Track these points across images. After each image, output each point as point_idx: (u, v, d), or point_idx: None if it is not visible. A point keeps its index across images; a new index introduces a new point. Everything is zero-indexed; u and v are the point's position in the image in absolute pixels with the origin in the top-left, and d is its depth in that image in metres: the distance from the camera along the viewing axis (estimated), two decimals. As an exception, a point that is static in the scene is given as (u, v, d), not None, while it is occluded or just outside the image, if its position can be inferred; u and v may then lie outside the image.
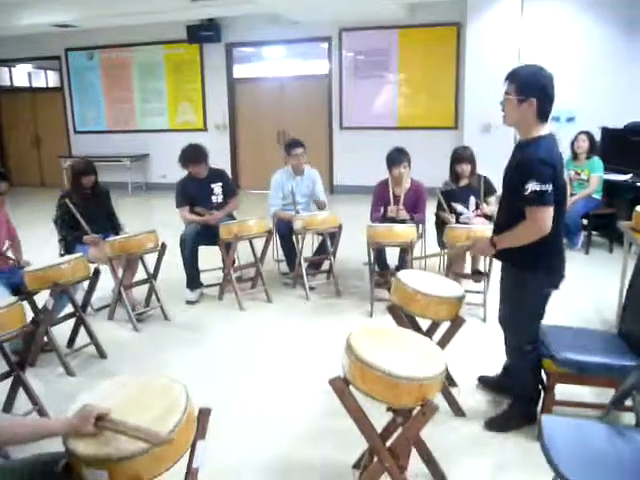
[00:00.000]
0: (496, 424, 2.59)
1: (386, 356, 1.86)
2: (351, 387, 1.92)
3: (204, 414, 1.71)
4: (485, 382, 2.99)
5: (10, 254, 3.62)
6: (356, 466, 2.34)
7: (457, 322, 2.60)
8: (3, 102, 11.64)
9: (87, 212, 4.00)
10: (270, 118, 9.75)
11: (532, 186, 2.20)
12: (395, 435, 2.06)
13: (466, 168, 4.32)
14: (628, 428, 1.90)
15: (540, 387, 2.61)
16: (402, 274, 2.72)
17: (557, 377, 2.39)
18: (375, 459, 2.11)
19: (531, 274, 2.39)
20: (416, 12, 8.29)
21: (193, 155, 4.46)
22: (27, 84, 12.77)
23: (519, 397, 2.61)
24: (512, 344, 2.61)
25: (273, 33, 9.17)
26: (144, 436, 1.48)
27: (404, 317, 2.63)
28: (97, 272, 3.56)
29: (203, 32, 9.25)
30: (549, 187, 2.21)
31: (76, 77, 10.67)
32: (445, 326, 2.70)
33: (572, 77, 7.54)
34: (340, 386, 1.91)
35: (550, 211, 2.24)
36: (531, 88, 2.26)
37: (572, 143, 5.64)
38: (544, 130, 2.33)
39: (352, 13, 8.10)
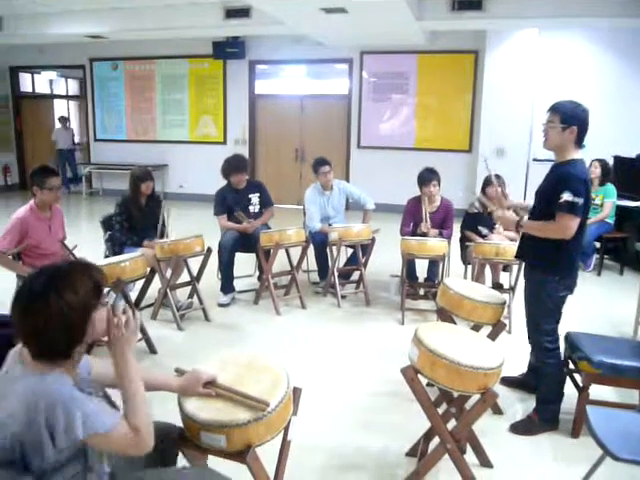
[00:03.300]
0: (521, 428, 2.80)
1: (453, 348, 2.11)
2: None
3: (297, 392, 1.94)
4: (508, 382, 3.21)
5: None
6: (409, 454, 2.57)
7: (499, 326, 2.86)
8: (24, 108, 11.85)
9: (141, 218, 4.26)
10: (289, 134, 10.03)
11: (566, 196, 2.52)
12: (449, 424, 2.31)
13: None
14: (662, 418, 2.16)
15: (563, 391, 2.85)
16: (449, 281, 2.98)
17: (592, 378, 2.64)
18: (429, 447, 2.36)
19: (549, 277, 2.68)
20: (436, 39, 8.65)
21: (237, 164, 4.74)
22: (48, 91, 13.11)
23: (543, 400, 2.83)
24: (535, 341, 2.85)
25: (296, 52, 9.51)
26: (251, 398, 1.70)
27: (452, 319, 2.89)
28: (153, 271, 3.80)
29: (228, 48, 9.58)
30: (580, 200, 2.53)
31: (99, 86, 10.93)
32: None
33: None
34: (411, 374, 2.15)
35: (577, 221, 2.55)
36: (573, 118, 2.62)
37: (587, 169, 5.93)
38: (578, 155, 2.67)
39: (374, 37, 8.44)
